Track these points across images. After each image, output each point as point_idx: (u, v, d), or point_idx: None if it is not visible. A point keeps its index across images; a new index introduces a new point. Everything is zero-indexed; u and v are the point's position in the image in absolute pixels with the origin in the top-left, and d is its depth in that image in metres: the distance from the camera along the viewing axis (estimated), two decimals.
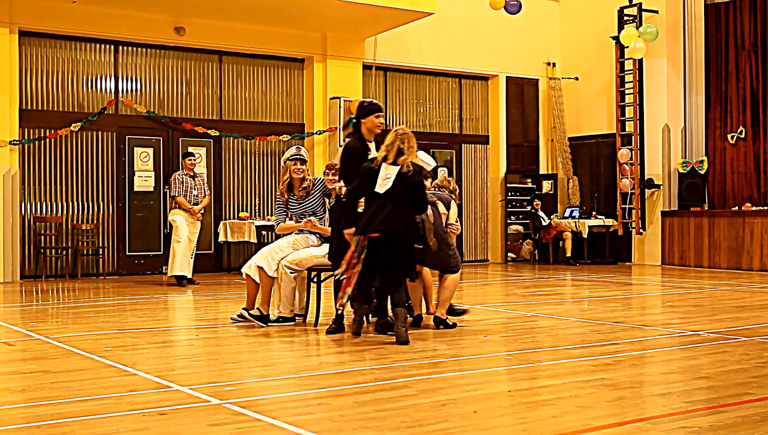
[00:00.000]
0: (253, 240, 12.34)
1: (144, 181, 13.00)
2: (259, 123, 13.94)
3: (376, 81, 14.87)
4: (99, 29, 12.42)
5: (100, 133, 12.73)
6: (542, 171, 16.39)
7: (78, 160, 12.57)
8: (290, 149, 7.53)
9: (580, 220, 14.93)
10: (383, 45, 14.46)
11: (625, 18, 14.66)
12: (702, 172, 14.44)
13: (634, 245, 15.05)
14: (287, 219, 7.53)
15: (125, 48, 12.92)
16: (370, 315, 7.21)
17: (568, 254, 14.87)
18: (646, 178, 14.69)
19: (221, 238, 13.20)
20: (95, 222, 12.58)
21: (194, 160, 11.30)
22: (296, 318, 7.16)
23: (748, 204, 13.81)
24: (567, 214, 15.39)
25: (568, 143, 16.15)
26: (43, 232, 12.16)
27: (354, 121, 6.86)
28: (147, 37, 12.77)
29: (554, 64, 16.38)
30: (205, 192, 11.33)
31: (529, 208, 15.90)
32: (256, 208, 13.82)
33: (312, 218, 7.22)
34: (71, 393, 4.50)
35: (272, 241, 7.58)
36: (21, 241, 12.02)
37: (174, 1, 12.18)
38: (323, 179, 7.47)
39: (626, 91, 14.93)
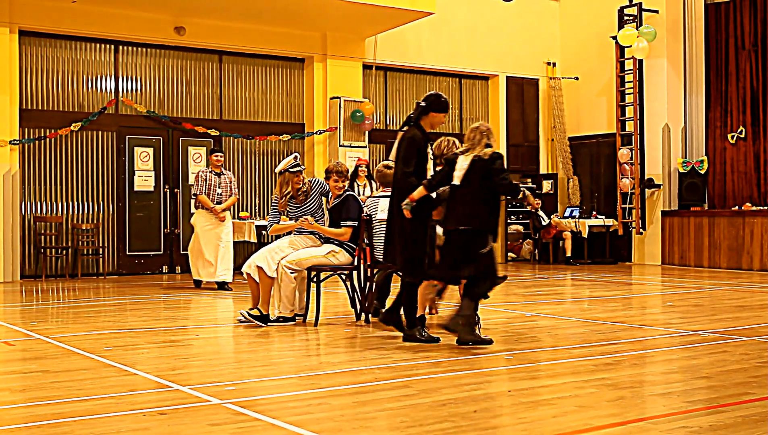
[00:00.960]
0: (253, 240, 12.33)
1: (144, 180, 13.00)
2: (259, 123, 13.94)
3: (376, 81, 14.87)
4: (99, 29, 12.42)
5: (100, 132, 12.73)
6: (542, 171, 16.39)
7: (78, 160, 12.57)
8: (287, 160, 7.44)
9: (580, 220, 14.93)
10: (383, 45, 14.46)
11: (625, 18, 14.65)
12: (702, 171, 14.44)
13: (634, 245, 15.05)
14: (281, 220, 7.50)
15: (125, 48, 12.92)
16: (370, 315, 7.22)
17: (568, 254, 14.87)
18: (646, 177, 14.69)
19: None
20: (95, 222, 12.58)
21: (220, 156, 10.73)
22: (296, 318, 7.16)
23: (748, 204, 13.81)
24: (567, 213, 15.38)
25: (568, 143, 16.15)
26: (43, 231, 12.16)
27: (423, 106, 6.28)
28: (147, 37, 12.77)
29: (554, 64, 16.38)
30: (232, 190, 10.67)
31: (528, 207, 15.90)
32: (256, 207, 13.83)
33: (308, 217, 7.20)
34: (71, 393, 4.50)
35: (272, 241, 7.58)
36: (21, 241, 12.02)
37: (174, 1, 12.18)
38: (320, 180, 7.46)
39: (626, 91, 14.93)
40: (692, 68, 14.77)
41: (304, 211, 7.37)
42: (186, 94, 13.40)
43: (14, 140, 11.81)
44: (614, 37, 14.82)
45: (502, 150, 15.98)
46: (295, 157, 7.45)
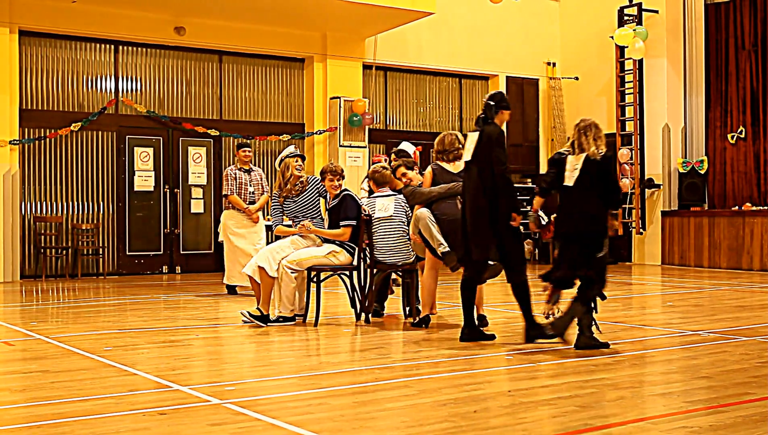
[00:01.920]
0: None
1: (144, 180, 13.00)
2: (259, 123, 13.94)
3: (376, 81, 14.87)
4: (99, 29, 12.43)
5: (100, 132, 12.73)
6: (542, 171, 16.38)
7: (78, 160, 12.57)
8: (288, 148, 7.54)
9: None
10: (383, 45, 14.46)
11: (626, 18, 14.65)
12: (702, 171, 14.44)
13: (634, 245, 15.05)
14: (284, 219, 7.51)
15: (125, 48, 12.92)
16: (370, 316, 7.22)
17: None
18: (646, 177, 14.68)
19: (221, 238, 13.15)
20: (95, 222, 12.59)
21: (249, 151, 9.76)
22: (296, 318, 7.16)
23: (748, 204, 13.81)
24: None
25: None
26: (43, 231, 12.16)
27: (493, 105, 6.22)
28: (147, 37, 12.77)
29: (554, 64, 16.38)
30: (264, 188, 9.83)
31: (528, 207, 15.86)
32: None
33: (305, 223, 7.19)
34: (71, 393, 4.50)
35: (272, 241, 7.58)
36: (21, 241, 12.02)
37: (174, 1, 12.19)
38: (318, 179, 7.46)
39: (626, 91, 14.93)
40: (692, 68, 14.77)
41: (299, 207, 7.36)
42: (186, 94, 13.40)
43: (14, 140, 11.81)
44: (612, 37, 14.82)
45: None
46: (296, 147, 7.50)
